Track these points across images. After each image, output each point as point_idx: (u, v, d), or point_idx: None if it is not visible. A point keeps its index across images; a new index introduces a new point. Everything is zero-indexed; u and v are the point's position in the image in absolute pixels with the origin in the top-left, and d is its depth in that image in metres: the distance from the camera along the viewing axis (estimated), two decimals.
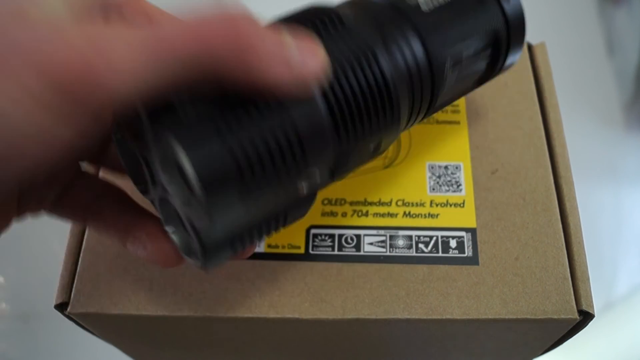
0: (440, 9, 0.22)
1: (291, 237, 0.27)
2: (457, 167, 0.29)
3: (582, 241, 0.27)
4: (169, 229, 0.21)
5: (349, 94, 0.19)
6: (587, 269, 0.26)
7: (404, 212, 0.28)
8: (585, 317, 0.25)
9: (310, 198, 0.20)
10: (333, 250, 0.27)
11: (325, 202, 0.28)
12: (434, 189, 0.28)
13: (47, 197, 0.21)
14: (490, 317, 0.25)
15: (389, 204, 0.28)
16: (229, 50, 0.15)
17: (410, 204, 0.28)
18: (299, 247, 0.27)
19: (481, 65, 0.25)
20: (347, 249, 0.27)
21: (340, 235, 0.27)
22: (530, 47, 0.32)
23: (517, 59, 0.26)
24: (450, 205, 0.28)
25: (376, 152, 0.22)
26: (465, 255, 0.26)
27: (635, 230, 0.61)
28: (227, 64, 0.16)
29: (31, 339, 0.54)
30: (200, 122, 0.16)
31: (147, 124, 0.17)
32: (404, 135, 0.30)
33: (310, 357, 0.33)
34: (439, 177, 0.29)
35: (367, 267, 0.26)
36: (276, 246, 0.27)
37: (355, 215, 0.28)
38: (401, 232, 0.27)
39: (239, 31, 0.16)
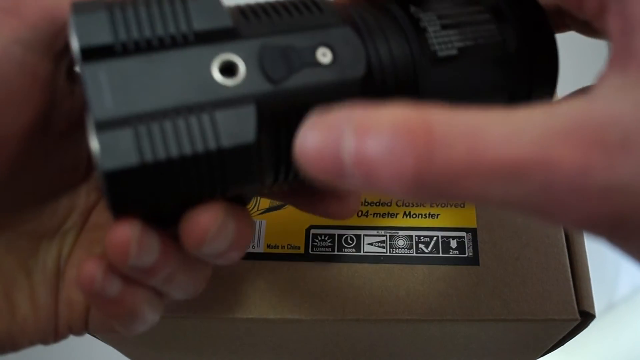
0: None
1: (291, 237, 0.27)
2: None
3: (583, 241, 0.27)
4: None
5: None
6: (588, 269, 0.26)
7: (404, 212, 0.28)
8: (586, 317, 0.25)
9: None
10: (333, 250, 0.27)
11: None
12: None
13: None
14: (490, 317, 0.25)
15: (388, 204, 0.28)
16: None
17: (411, 204, 0.28)
18: (298, 248, 0.27)
19: None
20: (347, 249, 0.27)
21: (340, 236, 0.27)
22: None
23: None
24: (451, 205, 0.28)
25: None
26: (466, 255, 0.26)
27: None
28: None
29: None
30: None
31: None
32: None
33: (310, 357, 0.33)
34: None
35: (367, 267, 0.26)
36: (276, 246, 0.27)
37: (355, 215, 0.28)
38: (401, 232, 0.27)
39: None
